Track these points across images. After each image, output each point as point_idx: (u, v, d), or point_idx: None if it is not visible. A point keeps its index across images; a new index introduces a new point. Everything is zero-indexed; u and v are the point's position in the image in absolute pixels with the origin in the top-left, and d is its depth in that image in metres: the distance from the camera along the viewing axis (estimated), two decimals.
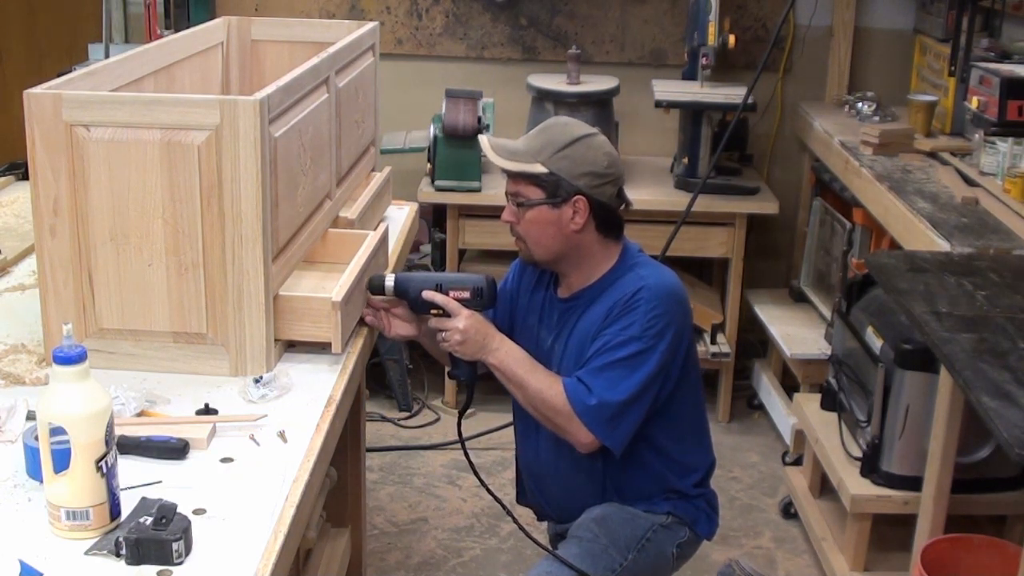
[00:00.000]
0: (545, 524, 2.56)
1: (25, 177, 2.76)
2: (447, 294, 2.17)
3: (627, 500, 2.31)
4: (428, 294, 2.17)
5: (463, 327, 2.16)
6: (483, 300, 2.20)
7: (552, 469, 2.36)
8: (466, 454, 2.41)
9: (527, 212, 2.21)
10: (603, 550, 2.25)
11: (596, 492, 2.32)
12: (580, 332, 2.25)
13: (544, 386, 2.18)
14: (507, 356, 2.21)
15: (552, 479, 2.37)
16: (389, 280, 2.17)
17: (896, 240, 3.02)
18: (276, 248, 1.93)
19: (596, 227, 2.21)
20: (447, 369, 2.33)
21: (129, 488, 1.55)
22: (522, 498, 2.53)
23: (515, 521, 2.38)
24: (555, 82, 3.85)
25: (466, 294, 2.18)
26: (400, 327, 2.24)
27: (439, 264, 3.93)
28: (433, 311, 2.19)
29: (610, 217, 2.23)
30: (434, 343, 2.28)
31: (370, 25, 2.68)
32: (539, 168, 2.18)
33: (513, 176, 2.22)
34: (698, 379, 2.35)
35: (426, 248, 4.03)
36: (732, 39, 3.77)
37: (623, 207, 2.26)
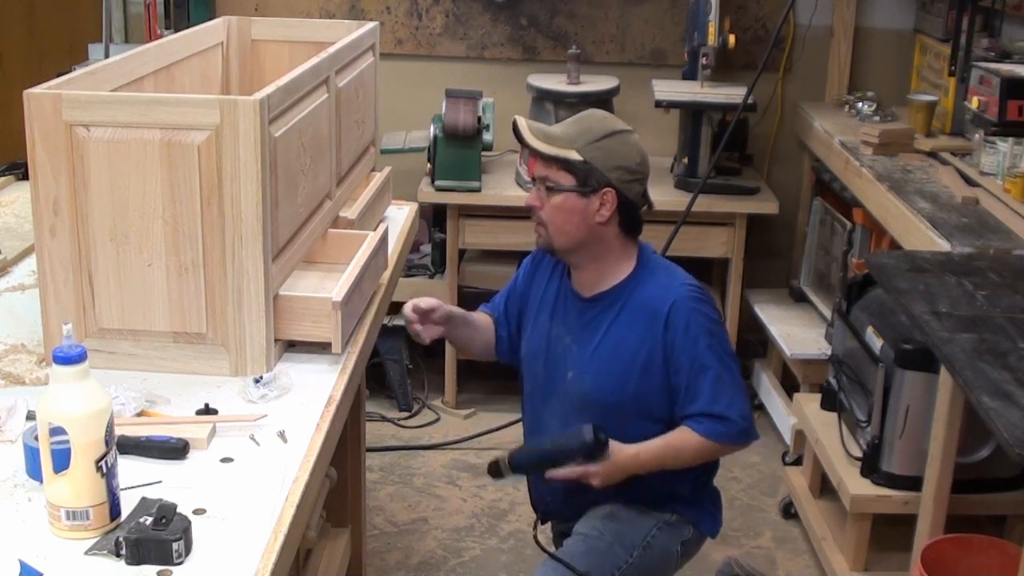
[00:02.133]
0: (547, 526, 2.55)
1: (25, 177, 2.76)
2: (565, 466, 2.17)
3: (633, 499, 2.31)
4: (551, 475, 2.19)
5: (598, 485, 2.18)
6: (596, 453, 2.16)
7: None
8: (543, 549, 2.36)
9: (554, 197, 2.20)
10: (608, 548, 2.26)
11: (603, 490, 2.29)
12: (614, 346, 2.24)
13: (691, 450, 2.22)
14: (649, 464, 2.22)
15: (568, 488, 2.31)
16: (503, 460, 2.21)
17: (896, 240, 3.02)
18: (276, 248, 1.93)
19: (619, 223, 2.23)
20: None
21: (129, 488, 1.55)
22: (535, 507, 2.51)
23: (537, 542, 2.36)
24: (555, 82, 3.85)
25: (580, 458, 2.16)
26: (434, 331, 2.34)
27: (439, 264, 3.93)
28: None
29: (633, 215, 2.24)
30: (459, 338, 2.43)
31: (370, 25, 2.68)
32: (574, 155, 2.17)
33: (546, 159, 2.21)
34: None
35: (426, 248, 4.02)
36: (732, 39, 3.77)
37: (646, 207, 2.28)
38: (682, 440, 2.22)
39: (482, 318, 2.50)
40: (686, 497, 2.34)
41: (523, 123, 2.24)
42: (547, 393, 2.35)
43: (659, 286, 2.24)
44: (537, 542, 2.33)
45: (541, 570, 2.26)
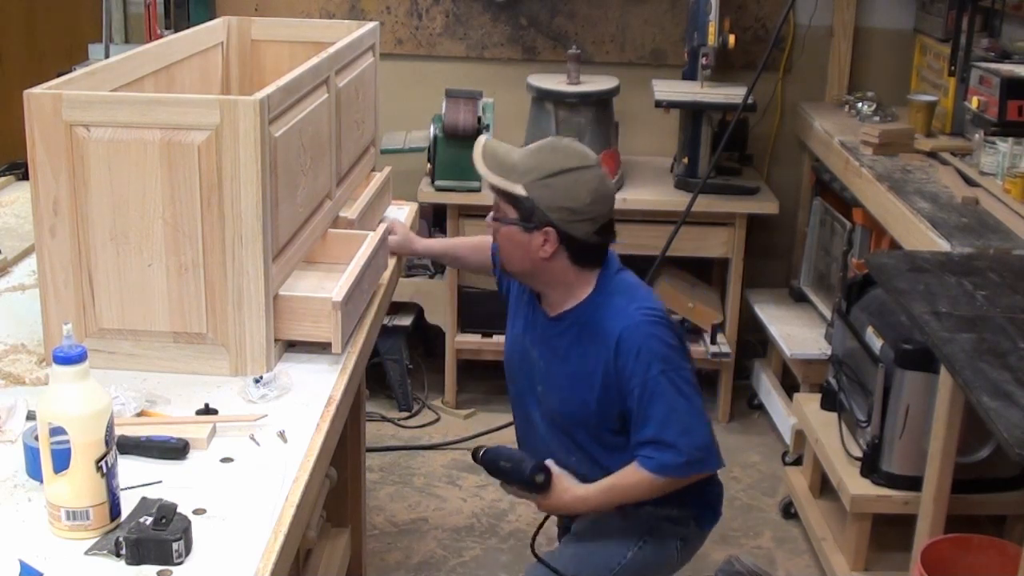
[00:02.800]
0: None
1: (25, 177, 2.76)
2: (513, 484, 2.30)
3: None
4: (506, 490, 2.35)
5: (544, 511, 2.33)
6: (535, 490, 2.27)
7: (563, 464, 2.34)
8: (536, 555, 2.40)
9: (501, 227, 2.21)
10: (601, 552, 2.28)
11: None
12: (575, 365, 2.24)
13: (642, 488, 2.20)
14: (594, 503, 2.26)
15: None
16: (478, 453, 2.37)
17: (896, 240, 3.02)
18: (276, 248, 1.93)
19: (569, 257, 2.19)
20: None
21: (129, 488, 1.55)
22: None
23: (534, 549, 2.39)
24: (555, 82, 3.84)
25: (525, 488, 2.30)
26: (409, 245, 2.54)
27: (439, 264, 3.94)
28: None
29: (584, 250, 2.19)
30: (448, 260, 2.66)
31: (370, 25, 2.68)
32: (520, 190, 2.15)
33: (493, 188, 2.21)
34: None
35: None
36: (732, 39, 3.77)
37: (604, 241, 2.22)
38: (629, 481, 2.20)
39: (479, 241, 2.62)
40: (684, 494, 2.30)
41: (478, 148, 2.22)
42: (527, 401, 2.38)
43: (614, 310, 2.20)
44: (533, 550, 2.36)
45: (530, 571, 2.31)
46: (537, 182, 2.14)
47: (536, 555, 2.32)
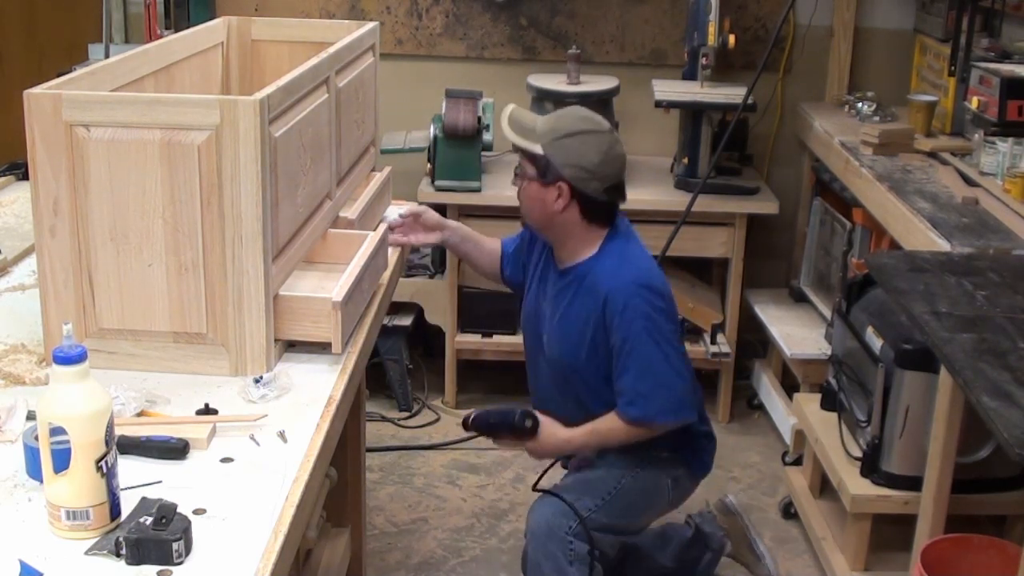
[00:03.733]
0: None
1: (25, 177, 2.76)
2: (504, 436, 2.56)
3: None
4: (496, 443, 2.62)
5: (529, 455, 2.59)
6: (524, 434, 2.52)
7: (560, 409, 2.57)
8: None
9: (523, 183, 2.49)
10: (598, 478, 2.52)
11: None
12: (571, 316, 2.50)
13: (619, 434, 2.47)
14: (575, 446, 2.53)
15: (560, 418, 2.56)
16: (468, 419, 2.57)
17: (896, 240, 3.02)
18: (276, 248, 1.93)
19: (580, 212, 2.45)
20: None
21: (129, 488, 1.55)
22: None
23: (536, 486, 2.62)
24: (555, 82, 3.84)
25: (514, 435, 2.54)
26: (424, 237, 2.65)
27: (439, 264, 3.94)
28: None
29: (595, 207, 2.46)
30: (463, 251, 2.77)
31: (370, 25, 2.69)
32: (537, 149, 2.43)
33: (517, 149, 2.50)
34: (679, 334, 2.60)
35: (426, 248, 4.02)
36: (732, 39, 3.77)
37: (615, 200, 2.49)
38: (607, 426, 2.47)
39: (492, 241, 2.80)
40: (679, 439, 2.55)
41: (506, 113, 2.51)
42: (536, 350, 2.64)
43: (609, 270, 2.45)
44: (535, 487, 2.58)
45: (538, 501, 2.54)
46: (553, 142, 2.42)
47: (538, 489, 2.55)
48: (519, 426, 2.50)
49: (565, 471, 2.72)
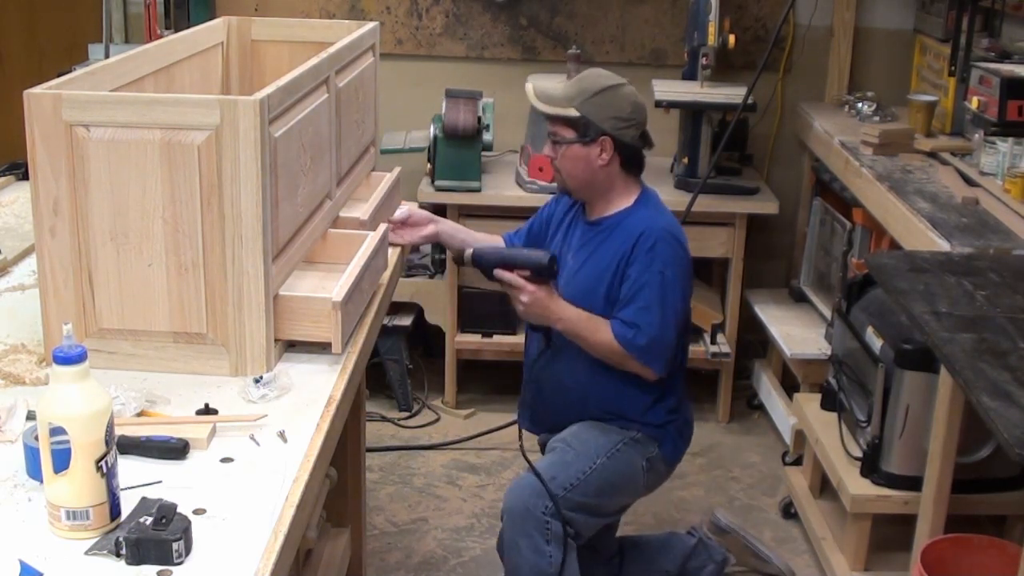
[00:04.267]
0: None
1: (25, 177, 2.76)
2: (513, 271, 2.54)
3: (607, 416, 2.63)
4: (499, 273, 2.56)
5: (527, 301, 2.54)
6: (544, 275, 2.55)
7: (551, 376, 2.67)
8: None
9: (562, 149, 2.58)
10: (575, 457, 2.57)
11: (583, 403, 2.65)
12: (598, 259, 2.59)
13: (602, 337, 2.54)
14: (568, 320, 2.56)
15: (550, 386, 2.69)
16: (468, 252, 2.60)
17: (896, 240, 3.02)
18: (276, 248, 1.93)
19: (620, 163, 2.58)
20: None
21: (129, 488, 1.55)
22: (522, 416, 2.82)
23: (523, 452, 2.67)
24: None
25: (527, 272, 2.54)
26: (417, 234, 2.69)
27: (439, 264, 3.94)
28: (504, 277, 2.57)
29: (633, 156, 2.60)
30: (455, 238, 2.78)
31: (370, 25, 2.69)
32: (572, 112, 2.55)
33: (551, 118, 2.59)
34: (688, 322, 2.70)
35: (426, 248, 4.02)
36: (732, 39, 3.77)
37: (645, 147, 2.62)
38: (598, 325, 2.55)
39: (484, 235, 2.85)
40: (652, 420, 2.63)
41: (530, 88, 2.63)
42: None
43: (646, 216, 2.59)
44: (524, 456, 2.62)
45: (515, 481, 2.63)
46: (585, 102, 2.54)
47: (527, 459, 2.60)
48: (545, 267, 2.52)
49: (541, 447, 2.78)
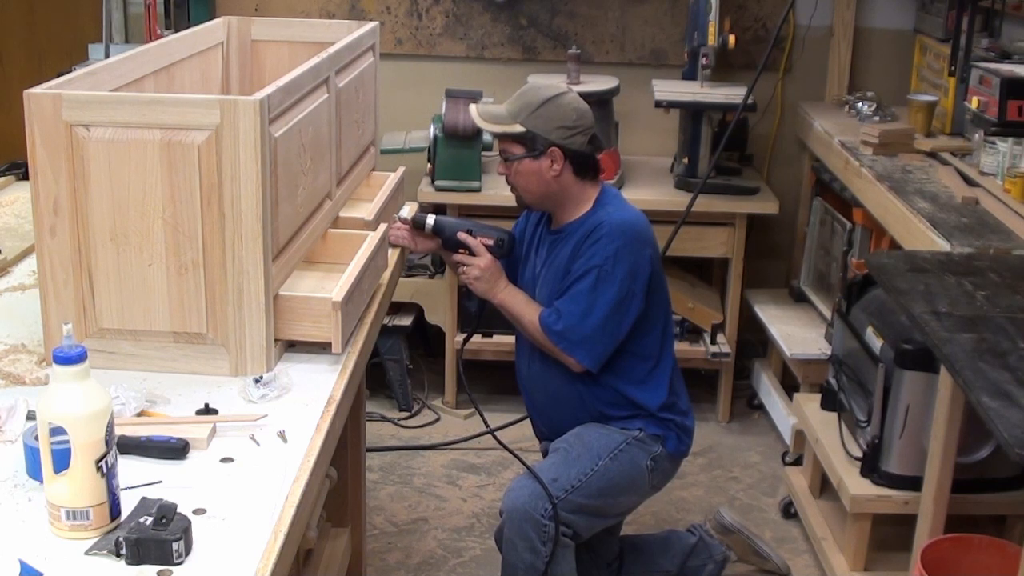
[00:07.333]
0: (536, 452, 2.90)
1: (25, 177, 2.76)
2: (476, 238, 2.65)
3: (606, 418, 2.64)
4: (462, 235, 2.65)
5: (483, 266, 2.63)
6: (503, 250, 2.68)
7: (541, 385, 2.71)
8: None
9: (514, 165, 2.59)
10: (576, 458, 2.58)
11: (577, 407, 2.66)
12: (557, 262, 2.63)
13: (532, 318, 2.61)
14: (509, 296, 2.66)
15: (542, 395, 2.72)
16: (430, 220, 2.66)
17: (896, 240, 3.02)
18: (276, 248, 1.93)
19: (573, 171, 2.58)
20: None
21: (129, 488, 1.55)
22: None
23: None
24: (555, 82, 3.84)
25: (490, 242, 2.66)
26: (423, 243, 2.71)
27: (439, 264, 3.94)
28: (461, 249, 2.67)
29: (584, 162, 2.59)
30: (453, 263, 2.78)
31: (370, 25, 2.69)
32: (518, 128, 2.56)
33: (499, 137, 2.63)
34: (666, 315, 2.69)
35: None
36: (732, 39, 3.77)
37: (596, 151, 2.62)
38: (534, 310, 2.61)
39: None
40: (653, 418, 2.64)
41: (474, 110, 2.65)
42: None
43: (603, 214, 2.59)
44: (519, 458, 2.71)
45: (515, 481, 2.61)
46: (530, 116, 2.55)
47: (521, 461, 2.68)
48: (508, 243, 2.67)
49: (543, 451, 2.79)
